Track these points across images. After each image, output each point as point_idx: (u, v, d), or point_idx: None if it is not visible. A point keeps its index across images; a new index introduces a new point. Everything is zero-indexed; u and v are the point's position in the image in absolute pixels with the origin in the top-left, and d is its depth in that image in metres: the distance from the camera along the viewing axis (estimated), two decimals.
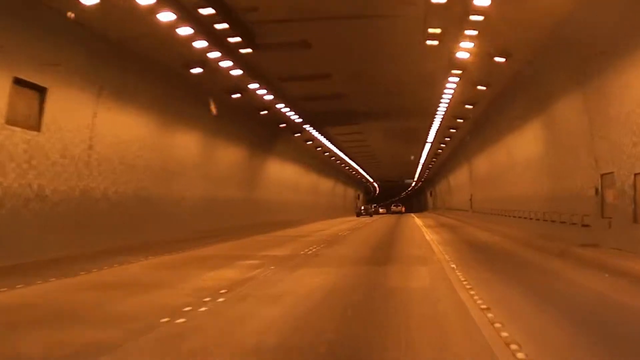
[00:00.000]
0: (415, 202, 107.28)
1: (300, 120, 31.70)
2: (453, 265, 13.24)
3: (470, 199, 43.06)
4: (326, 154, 49.37)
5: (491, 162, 33.45)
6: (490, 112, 27.38)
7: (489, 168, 34.55)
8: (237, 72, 20.71)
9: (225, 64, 19.56)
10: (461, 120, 32.24)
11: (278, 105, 27.33)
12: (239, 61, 19.77)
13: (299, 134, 36.85)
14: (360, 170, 70.05)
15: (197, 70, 20.22)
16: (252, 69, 21.24)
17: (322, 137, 40.20)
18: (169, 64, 19.71)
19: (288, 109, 28.45)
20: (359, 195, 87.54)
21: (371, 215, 62.31)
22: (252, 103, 26.01)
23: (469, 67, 20.66)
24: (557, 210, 19.97)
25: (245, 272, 12.57)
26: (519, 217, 25.71)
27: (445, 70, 21.70)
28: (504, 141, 28.10)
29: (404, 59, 21.33)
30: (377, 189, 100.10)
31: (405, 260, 14.75)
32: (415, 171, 71.16)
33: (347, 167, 64.02)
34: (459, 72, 21.29)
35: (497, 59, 19.09)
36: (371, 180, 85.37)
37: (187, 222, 24.20)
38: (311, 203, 52.99)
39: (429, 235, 24.36)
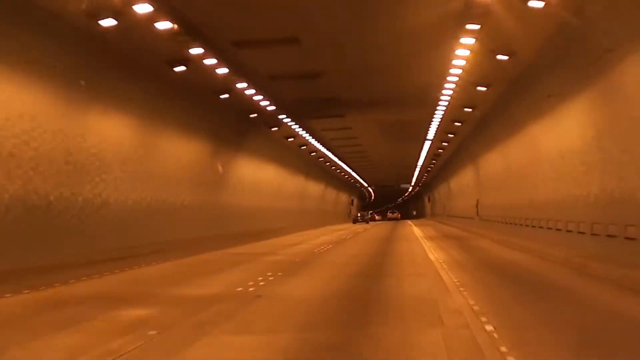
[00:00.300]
0: (412, 208, 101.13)
1: (274, 108, 25.39)
2: (490, 328, 6.96)
3: (477, 205, 36.80)
4: (313, 154, 43.06)
5: (505, 160, 27.19)
6: (510, 94, 21.11)
7: (502, 167, 28.28)
8: (164, 25, 14.46)
9: (142, 8, 13.31)
10: (469, 110, 25.96)
11: (239, 85, 21.01)
12: (161, 4, 13.53)
13: (276, 128, 30.53)
14: (353, 174, 63.75)
15: (108, 23, 14.01)
16: (186, 21, 14.97)
17: (306, 133, 33.90)
18: (66, 12, 13.52)
19: (253, 91, 22.11)
20: (352, 201, 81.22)
21: (367, 222, 61.23)
22: (205, 81, 19.74)
23: (489, 20, 14.46)
24: (617, 220, 13.76)
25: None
26: (550, 229, 19.47)
27: (455, 27, 15.49)
28: (526, 132, 21.85)
29: (398, 8, 15.08)
30: (372, 194, 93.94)
31: (403, 313, 8.41)
32: (413, 175, 64.93)
33: (338, 170, 57.71)
34: (476, 27, 15.03)
35: (532, 3, 12.89)
36: (365, 184, 79.07)
37: (112, 236, 17.87)
38: (297, 209, 46.67)
39: (434, 253, 18.07)
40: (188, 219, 23.78)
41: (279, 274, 12.82)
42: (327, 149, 42.84)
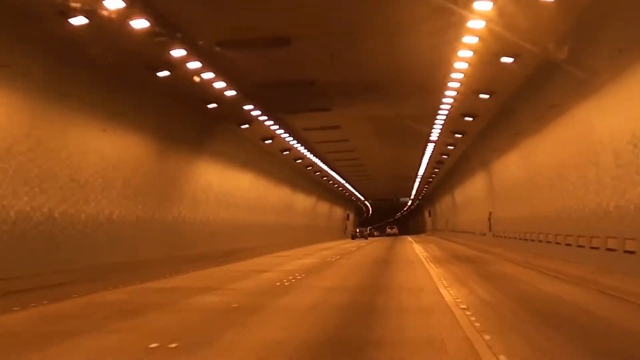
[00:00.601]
0: (412, 223, 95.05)
1: (234, 93, 19.42)
2: None
3: (489, 219, 30.77)
4: (299, 161, 37.09)
5: (530, 161, 21.22)
6: (548, 66, 15.17)
7: (525, 171, 22.29)
8: None
9: None
10: (485, 97, 20.02)
11: (176, 54, 15.01)
12: None
13: (247, 126, 24.58)
14: (348, 186, 57.72)
15: None
16: None
17: (285, 133, 27.88)
18: None
19: (199, 65, 16.10)
20: (348, 216, 75.04)
21: (366, 238, 59.68)
22: (120, 41, 13.82)
23: None
24: None
25: None
26: (611, 250, 13.45)
27: None
28: (567, 118, 15.94)
29: None
30: (370, 208, 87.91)
31: None
32: (412, 187, 58.92)
33: (330, 182, 51.70)
34: None
35: None
36: (362, 198, 72.98)
37: None
38: (282, 225, 40.51)
39: (448, 288, 11.90)
40: (118, 237, 17.71)
41: (172, 345, 6.75)
42: (315, 155, 36.84)
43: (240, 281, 14.59)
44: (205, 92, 18.73)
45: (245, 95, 20.04)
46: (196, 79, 17.04)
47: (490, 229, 30.66)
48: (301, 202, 47.45)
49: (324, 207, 59.67)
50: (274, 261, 22.44)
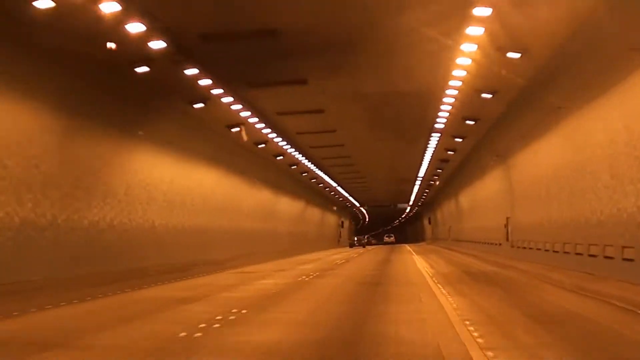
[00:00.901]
0: (411, 231, 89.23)
1: (163, 46, 13.43)
2: None
3: (506, 226, 24.80)
4: (279, 158, 31.12)
5: (577, 142, 15.28)
6: None
7: (566, 160, 16.30)
8: None
9: None
10: (516, 56, 14.11)
11: None
12: None
13: (202, 105, 18.65)
14: (341, 190, 51.73)
15: None
16: None
17: (252, 115, 21.89)
18: None
19: None
20: (342, 223, 69.05)
21: (364, 246, 56.80)
22: None
23: None
24: None
25: None
26: None
27: None
28: None
29: None
30: (366, 216, 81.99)
31: None
32: (412, 191, 52.99)
33: (320, 184, 45.74)
34: None
35: None
36: (357, 204, 67.02)
37: None
38: (262, 232, 34.45)
39: (491, 354, 5.95)
40: None
41: None
42: (299, 152, 30.95)
43: (123, 327, 8.52)
44: (122, 43, 12.83)
45: (181, 50, 14.09)
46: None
47: (507, 238, 24.72)
48: (286, 207, 41.39)
49: (314, 213, 53.61)
50: (229, 281, 16.43)
